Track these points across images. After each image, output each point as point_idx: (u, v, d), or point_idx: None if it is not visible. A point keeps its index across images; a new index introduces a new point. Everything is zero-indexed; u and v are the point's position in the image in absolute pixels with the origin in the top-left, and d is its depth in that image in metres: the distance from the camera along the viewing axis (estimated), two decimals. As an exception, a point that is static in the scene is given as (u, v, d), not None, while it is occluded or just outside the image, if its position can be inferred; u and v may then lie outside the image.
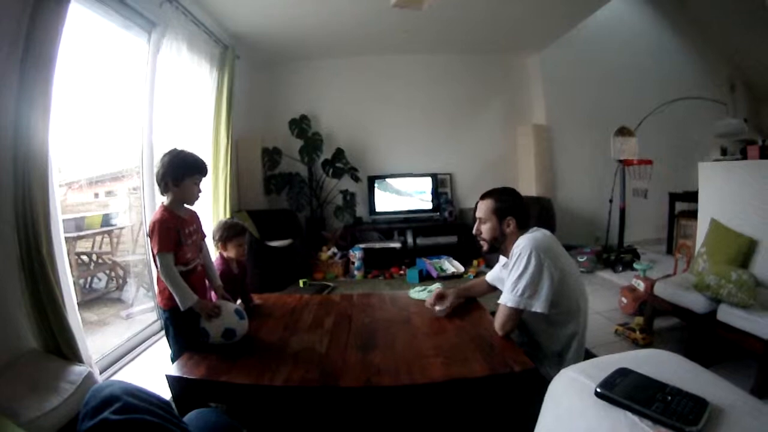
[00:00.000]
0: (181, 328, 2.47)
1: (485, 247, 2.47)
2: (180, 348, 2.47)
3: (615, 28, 6.80)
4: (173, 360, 2.47)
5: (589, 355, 2.34)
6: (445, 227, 6.60)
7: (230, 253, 2.95)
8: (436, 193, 6.86)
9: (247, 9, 4.92)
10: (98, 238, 6.06)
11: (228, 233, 2.93)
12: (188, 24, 4.28)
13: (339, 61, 6.96)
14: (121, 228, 6.19)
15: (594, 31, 6.54)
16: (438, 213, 6.79)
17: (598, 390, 1.03)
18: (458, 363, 2.00)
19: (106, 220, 6.01)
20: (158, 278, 2.47)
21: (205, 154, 4.55)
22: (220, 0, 4.62)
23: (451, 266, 5.88)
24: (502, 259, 2.61)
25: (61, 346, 2.54)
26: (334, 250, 6.28)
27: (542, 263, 2.11)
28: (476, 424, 1.96)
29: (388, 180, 6.87)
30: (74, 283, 4.35)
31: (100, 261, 6.03)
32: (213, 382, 2.05)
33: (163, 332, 2.99)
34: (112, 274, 6.02)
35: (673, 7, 7.25)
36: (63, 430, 2.16)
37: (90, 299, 5.50)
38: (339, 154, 6.73)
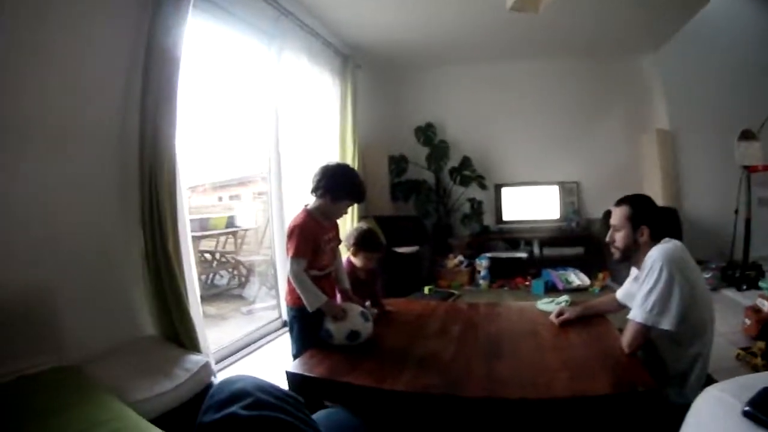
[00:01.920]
0: (306, 326, 2.57)
1: (617, 255, 2.40)
2: (303, 346, 2.55)
3: (724, 22, 6.16)
4: (295, 357, 2.53)
5: (710, 380, 2.16)
6: (571, 238, 6.39)
7: (358, 261, 3.02)
8: (563, 202, 6.65)
9: (362, 19, 5.04)
10: (222, 238, 6.44)
11: (362, 245, 2.98)
12: (305, 36, 4.47)
13: (459, 68, 6.94)
14: (246, 230, 6.61)
15: (705, 29, 5.95)
16: (564, 223, 6.59)
17: (747, 409, 0.99)
18: (583, 379, 1.94)
19: (230, 222, 6.42)
20: (289, 279, 2.56)
21: (333, 159, 4.65)
22: (335, 12, 4.76)
23: (577, 279, 5.71)
24: (633, 272, 2.51)
25: (180, 335, 2.68)
26: (460, 258, 6.29)
27: (673, 277, 2.02)
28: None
29: (514, 188, 6.74)
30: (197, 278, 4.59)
31: (222, 259, 6.39)
32: (333, 382, 2.12)
33: (282, 330, 3.18)
34: (235, 272, 6.37)
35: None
36: (169, 414, 2.19)
37: (211, 294, 5.82)
38: (466, 161, 6.75)
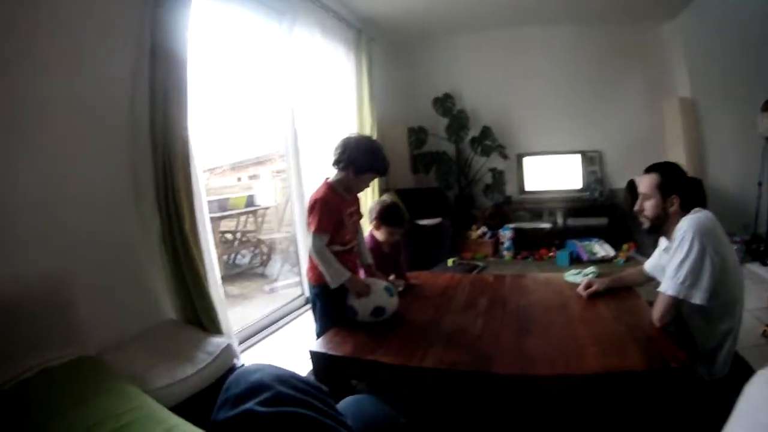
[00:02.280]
0: (329, 304, 2.54)
1: (646, 225, 2.33)
2: (326, 324, 2.53)
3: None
4: (318, 335, 2.51)
5: (737, 358, 2.17)
6: (594, 208, 6.29)
7: (381, 236, 2.98)
8: (585, 172, 6.53)
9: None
10: (242, 218, 6.43)
11: (385, 219, 2.95)
12: (317, 10, 4.43)
13: (474, 36, 6.80)
14: (266, 208, 6.58)
15: None
16: (588, 192, 6.46)
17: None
18: (614, 354, 1.90)
19: (249, 201, 6.38)
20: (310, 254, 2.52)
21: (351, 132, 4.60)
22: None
23: (602, 249, 5.66)
24: (662, 243, 2.44)
25: (201, 318, 2.67)
26: (483, 229, 6.27)
27: (704, 249, 1.95)
28: (630, 422, 1.91)
29: (536, 158, 6.66)
30: (218, 258, 4.63)
31: (244, 239, 6.41)
32: (359, 360, 2.10)
33: (306, 307, 3.14)
34: (256, 251, 6.36)
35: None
36: (192, 399, 2.19)
37: (233, 274, 5.85)
38: (486, 131, 6.65)
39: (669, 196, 2.21)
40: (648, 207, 2.28)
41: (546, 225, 6.30)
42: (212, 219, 5.43)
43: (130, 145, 2.54)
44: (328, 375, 2.14)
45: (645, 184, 2.29)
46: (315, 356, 2.20)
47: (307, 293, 3.91)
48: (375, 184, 4.97)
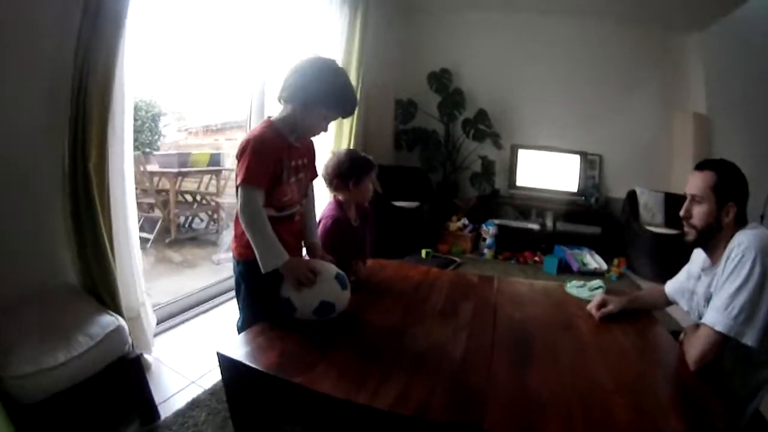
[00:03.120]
0: (257, 289, 1.93)
1: (692, 236, 1.86)
2: (251, 316, 1.96)
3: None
4: (240, 330, 2.00)
5: (758, 414, 1.78)
6: (588, 215, 5.85)
7: (357, 196, 2.38)
8: (583, 175, 6.07)
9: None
10: (206, 179, 6.18)
11: (362, 166, 2.35)
12: None
13: (483, 15, 6.28)
14: (231, 170, 6.25)
15: (755, 18, 5.35)
16: (583, 197, 6.00)
17: None
18: (650, 411, 1.40)
19: (214, 160, 6.06)
20: (236, 217, 1.88)
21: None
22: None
23: (594, 261, 5.19)
24: (694, 260, 2.02)
25: (99, 288, 2.17)
26: (465, 221, 5.80)
27: (765, 276, 1.56)
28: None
29: (532, 151, 6.19)
30: (165, 218, 4.11)
31: (203, 201, 6.15)
32: (283, 382, 1.49)
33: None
34: (214, 215, 6.10)
35: None
36: (63, 395, 1.74)
37: (185, 238, 5.61)
38: (481, 115, 6.18)
39: (725, 203, 1.78)
40: (698, 214, 1.83)
41: (534, 226, 5.79)
42: (172, 175, 5.09)
43: (50, 68, 2.10)
44: (242, 396, 1.61)
45: (696, 183, 1.84)
46: (225, 363, 1.60)
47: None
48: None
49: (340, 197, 2.37)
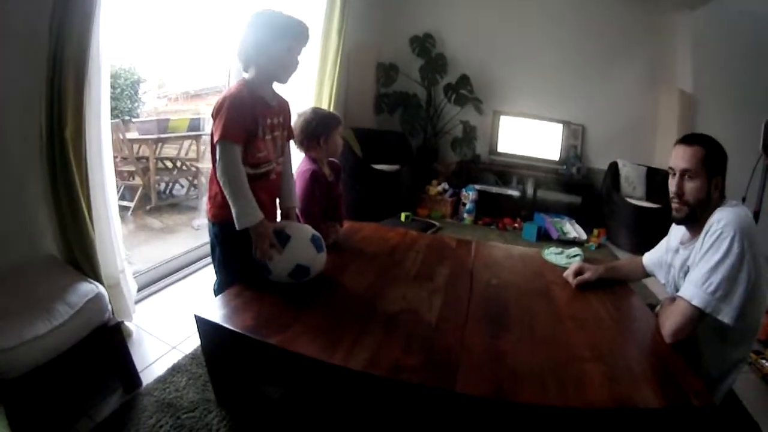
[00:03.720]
0: (232, 249, 1.93)
1: (683, 212, 1.80)
2: (227, 278, 1.95)
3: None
4: (216, 292, 1.97)
5: (732, 394, 1.83)
6: (569, 184, 5.85)
7: (329, 150, 2.40)
8: (565, 144, 6.02)
9: None
10: (186, 144, 6.05)
11: (329, 121, 2.38)
12: None
13: None
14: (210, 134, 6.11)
15: (748, 2, 5.41)
16: (564, 166, 5.95)
17: None
18: (624, 380, 1.41)
19: (193, 125, 5.91)
20: (211, 178, 1.88)
21: (311, 61, 4.19)
22: None
23: (573, 230, 5.20)
24: (673, 233, 2.02)
25: (77, 256, 2.13)
26: (444, 186, 5.78)
27: (744, 254, 1.55)
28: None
29: (515, 118, 6.09)
30: (145, 185, 4.03)
31: (183, 167, 6.03)
32: (259, 343, 1.48)
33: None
34: (195, 181, 6.02)
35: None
36: (46, 367, 1.70)
37: (165, 205, 5.53)
38: (464, 80, 6.10)
39: (713, 177, 1.76)
40: (690, 189, 1.78)
41: (514, 192, 5.77)
42: (150, 142, 5.04)
43: (25, 37, 1.98)
44: (220, 359, 1.63)
45: (688, 158, 1.78)
46: (202, 326, 1.60)
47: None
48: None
49: (313, 155, 2.36)
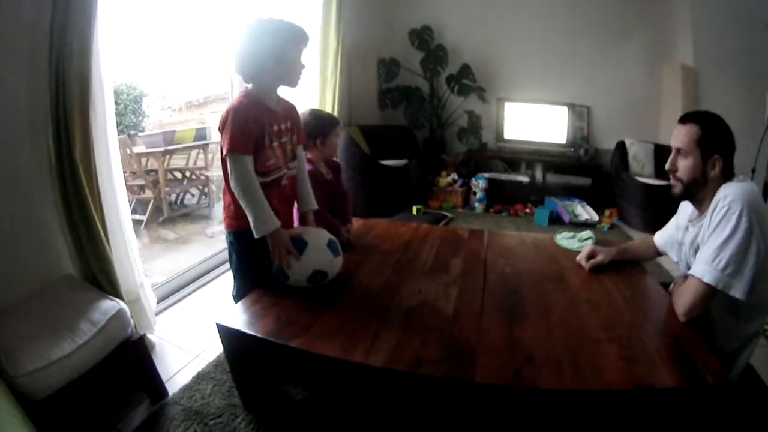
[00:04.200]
0: (249, 257, 1.97)
1: (678, 189, 1.84)
2: (245, 285, 1.99)
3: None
4: (236, 299, 2.01)
5: (750, 368, 1.83)
6: (578, 166, 5.78)
7: (326, 150, 2.44)
8: (571, 126, 5.95)
9: None
10: (193, 154, 6.08)
11: (327, 122, 2.41)
12: None
13: None
14: (218, 143, 6.13)
15: None
16: (572, 149, 5.91)
17: None
18: (640, 360, 1.42)
19: (200, 135, 5.94)
20: (224, 189, 1.92)
21: (311, 61, 4.17)
22: None
23: (585, 212, 5.17)
24: (683, 212, 2.01)
25: (96, 274, 2.17)
26: (454, 176, 5.76)
27: (752, 229, 1.55)
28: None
29: (519, 104, 6.03)
30: (156, 198, 4.08)
31: (193, 177, 6.06)
32: (281, 347, 1.52)
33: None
34: (205, 189, 6.05)
35: None
36: (72, 386, 1.73)
37: (177, 215, 5.56)
38: (465, 69, 6.06)
39: (710, 156, 1.75)
40: (683, 167, 1.81)
41: (524, 178, 5.75)
42: (158, 155, 5.11)
43: (27, 62, 2.00)
44: (243, 364, 1.66)
45: (681, 137, 1.81)
46: (224, 333, 1.64)
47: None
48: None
49: (309, 155, 2.38)
